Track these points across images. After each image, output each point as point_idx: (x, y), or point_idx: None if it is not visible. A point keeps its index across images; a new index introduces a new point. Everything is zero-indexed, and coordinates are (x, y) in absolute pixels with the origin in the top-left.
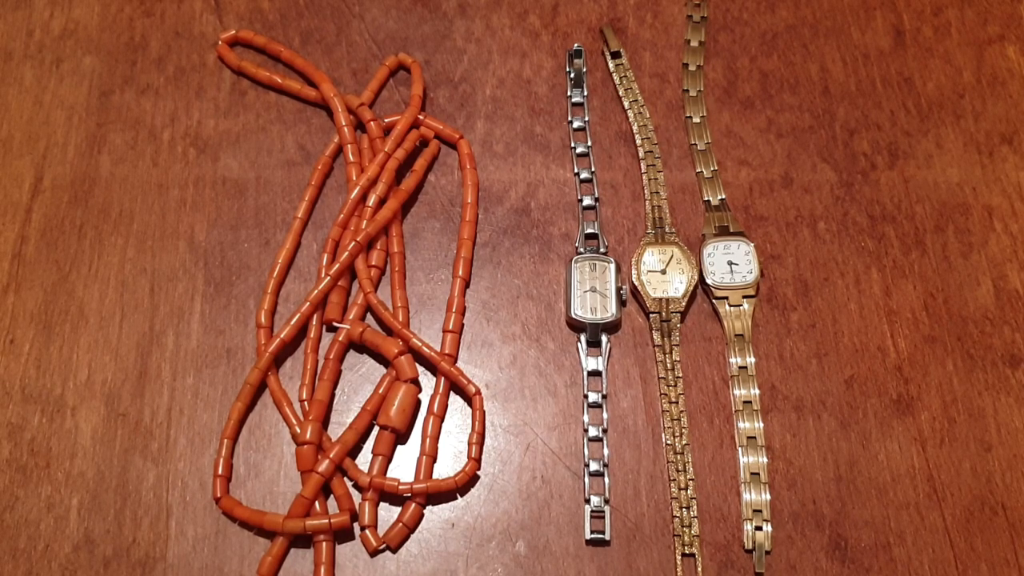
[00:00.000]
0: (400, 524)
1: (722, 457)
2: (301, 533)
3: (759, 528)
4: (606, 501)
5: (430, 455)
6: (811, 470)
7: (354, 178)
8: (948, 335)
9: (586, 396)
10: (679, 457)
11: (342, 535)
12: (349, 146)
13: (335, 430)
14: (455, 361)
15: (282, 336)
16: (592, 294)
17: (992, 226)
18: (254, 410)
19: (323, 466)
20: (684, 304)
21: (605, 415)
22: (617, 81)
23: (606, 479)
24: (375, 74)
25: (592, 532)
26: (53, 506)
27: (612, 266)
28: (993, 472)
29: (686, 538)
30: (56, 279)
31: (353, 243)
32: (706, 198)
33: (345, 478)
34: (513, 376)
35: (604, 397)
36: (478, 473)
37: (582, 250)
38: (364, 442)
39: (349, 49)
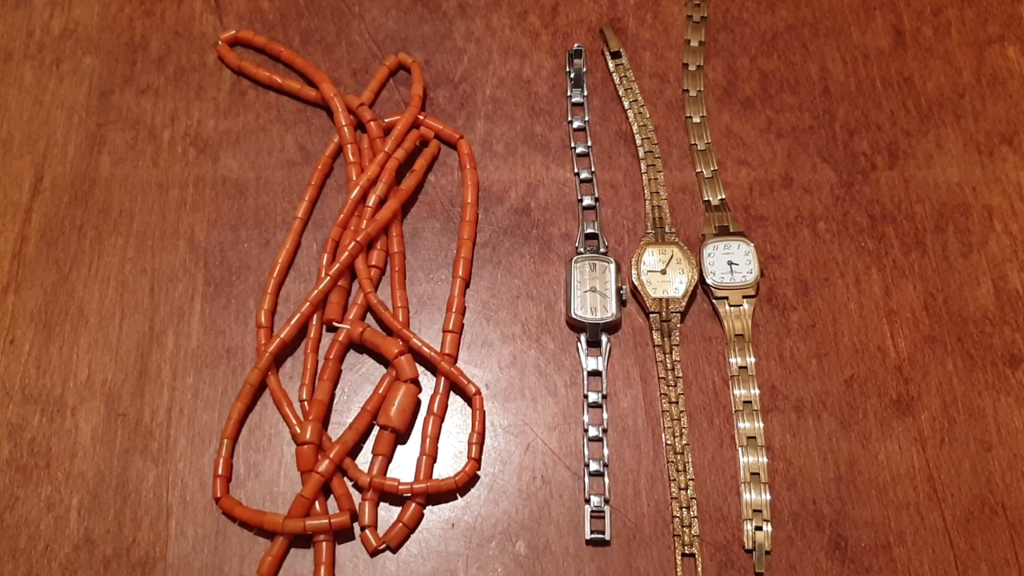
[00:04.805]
0: (400, 524)
1: (722, 457)
2: (301, 533)
3: (759, 528)
4: (606, 501)
5: (430, 455)
6: (811, 470)
7: (354, 178)
8: (948, 335)
9: (586, 396)
10: (679, 457)
11: (342, 535)
12: (349, 146)
13: (335, 430)
14: (455, 361)
15: (282, 336)
16: (592, 294)
17: (992, 226)
18: (254, 410)
19: (323, 466)
20: (684, 304)
21: (605, 415)
22: (617, 81)
23: (606, 479)
24: (375, 74)
25: (592, 532)
26: (53, 506)
27: (612, 266)
28: (993, 472)
29: (686, 538)
30: (56, 279)
31: (353, 243)
32: (706, 198)
33: (345, 478)
34: (513, 376)
35: (604, 397)
36: (478, 473)
37: (582, 250)
38: (364, 442)
39: (349, 49)
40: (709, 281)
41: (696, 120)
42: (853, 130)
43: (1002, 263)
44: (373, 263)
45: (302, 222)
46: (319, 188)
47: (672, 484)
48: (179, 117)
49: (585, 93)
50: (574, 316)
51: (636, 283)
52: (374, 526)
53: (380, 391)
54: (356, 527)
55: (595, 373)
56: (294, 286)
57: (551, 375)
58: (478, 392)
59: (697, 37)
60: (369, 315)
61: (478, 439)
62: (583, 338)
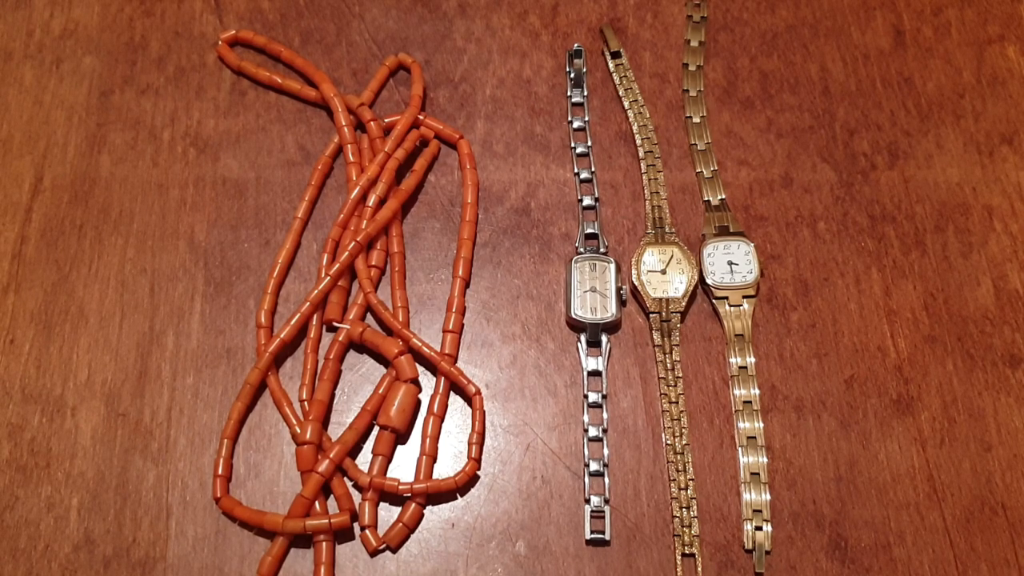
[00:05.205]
0: (400, 524)
1: (722, 457)
2: (301, 533)
3: (759, 528)
4: (606, 501)
5: (430, 455)
6: (811, 470)
7: (354, 178)
8: (948, 335)
9: (586, 396)
10: (679, 457)
11: (342, 535)
12: (349, 146)
13: (335, 430)
14: (455, 361)
15: (282, 336)
16: (592, 294)
17: (992, 226)
18: (254, 410)
19: (323, 466)
20: (684, 304)
21: (605, 415)
22: (617, 81)
23: (606, 479)
24: (375, 74)
25: (592, 532)
26: (53, 506)
27: (612, 266)
28: (993, 472)
29: (686, 538)
30: (56, 279)
31: (353, 243)
32: (706, 198)
33: (345, 478)
34: (513, 376)
35: (604, 397)
36: (478, 473)
37: (582, 250)
38: (364, 442)
39: (349, 49)
40: (709, 281)
41: (696, 120)
42: (853, 130)
43: (1002, 263)
44: (373, 263)
45: (302, 222)
46: (319, 188)
47: (672, 484)
48: (179, 117)
49: (585, 93)
50: (574, 316)
51: (636, 283)
52: (374, 526)
53: (380, 391)
54: (356, 527)
55: (595, 373)
56: (294, 286)
57: (551, 375)
58: (478, 392)
59: (697, 37)
60: (369, 315)
61: (478, 439)
62: (583, 338)
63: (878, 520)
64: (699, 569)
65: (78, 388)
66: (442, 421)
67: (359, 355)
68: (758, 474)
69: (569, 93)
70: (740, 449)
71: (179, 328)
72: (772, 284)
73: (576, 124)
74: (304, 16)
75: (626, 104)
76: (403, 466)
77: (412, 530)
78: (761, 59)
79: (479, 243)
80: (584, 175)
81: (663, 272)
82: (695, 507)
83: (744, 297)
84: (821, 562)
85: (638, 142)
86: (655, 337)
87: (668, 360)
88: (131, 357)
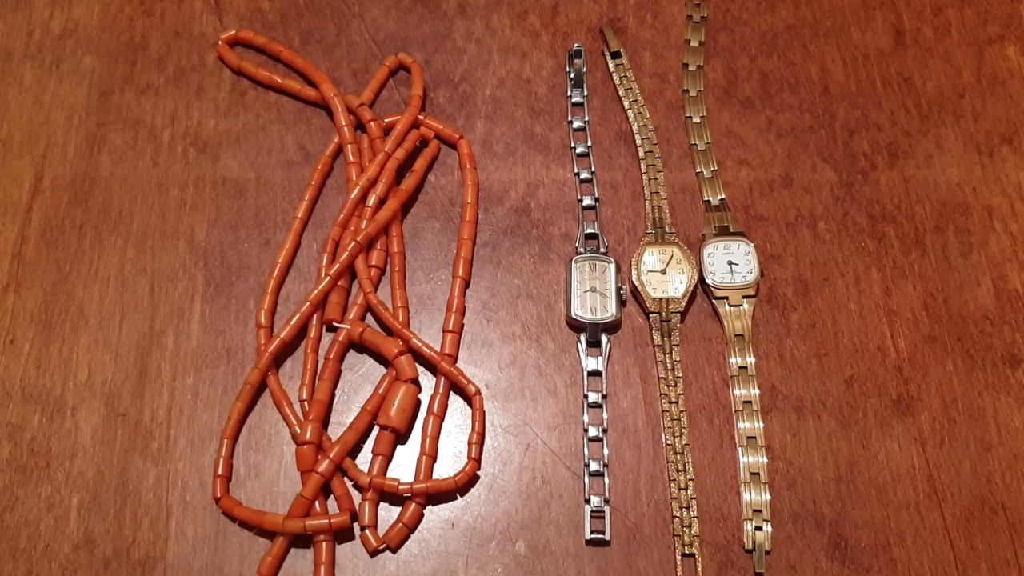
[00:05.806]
0: (400, 524)
1: (722, 457)
2: (301, 533)
3: (759, 528)
4: (606, 501)
5: (430, 455)
6: (811, 470)
7: (354, 178)
8: (948, 335)
9: (586, 396)
10: (679, 457)
11: (342, 535)
12: (349, 146)
13: (335, 430)
14: (455, 361)
15: (282, 336)
16: (592, 294)
17: (992, 226)
18: (254, 410)
19: (323, 466)
20: (684, 304)
21: (605, 415)
22: (617, 81)
23: (606, 479)
24: (375, 74)
25: (592, 532)
26: (53, 506)
27: (612, 266)
28: (993, 472)
29: (686, 538)
30: (56, 279)
31: (353, 243)
32: (706, 198)
33: (345, 478)
34: (513, 376)
35: (604, 397)
36: (478, 473)
37: (582, 250)
38: (364, 442)
39: (349, 49)
40: (709, 281)
41: (696, 120)
42: (853, 130)
43: (1002, 263)
44: (373, 263)
45: (302, 222)
46: (319, 188)
47: (672, 484)
48: (179, 117)
49: (585, 93)
50: (574, 316)
51: (636, 283)
52: (374, 526)
53: (380, 391)
54: (356, 527)
55: (595, 373)
56: (294, 286)
57: (551, 375)
58: (478, 392)
59: (697, 37)
60: (369, 315)
61: (478, 439)
62: (583, 338)
63: (878, 520)
64: (699, 569)
65: (78, 388)
66: (442, 421)
67: (359, 355)
68: (758, 474)
69: (569, 93)
70: (740, 449)
71: (179, 328)
72: (772, 284)
73: (576, 124)
74: (304, 16)
75: (626, 104)
76: (403, 466)
77: (412, 530)
78: (761, 59)
79: (479, 243)
80: (584, 175)
81: (663, 272)
82: (695, 507)
83: (744, 297)
84: (821, 562)
85: (638, 142)
86: (655, 337)
87: (668, 360)
88: (131, 357)
